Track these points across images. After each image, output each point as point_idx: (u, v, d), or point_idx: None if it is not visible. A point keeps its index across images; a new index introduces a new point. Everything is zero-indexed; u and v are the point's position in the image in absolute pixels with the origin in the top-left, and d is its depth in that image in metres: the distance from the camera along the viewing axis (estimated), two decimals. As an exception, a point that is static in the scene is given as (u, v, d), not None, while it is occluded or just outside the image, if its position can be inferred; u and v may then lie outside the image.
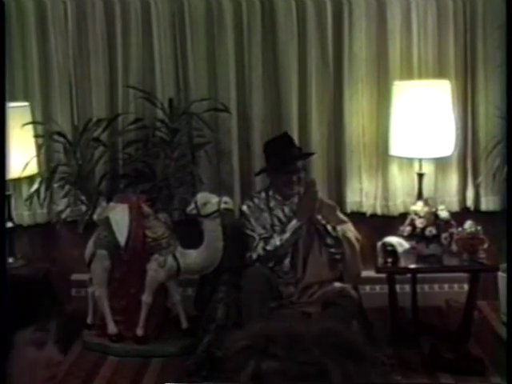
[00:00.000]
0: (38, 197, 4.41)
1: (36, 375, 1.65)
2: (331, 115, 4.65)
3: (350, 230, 4.10)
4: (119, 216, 4.15)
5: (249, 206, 4.09)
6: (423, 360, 3.99)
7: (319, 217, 4.02)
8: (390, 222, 4.54)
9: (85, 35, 4.60)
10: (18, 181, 4.56)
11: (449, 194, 4.68)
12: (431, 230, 4.06)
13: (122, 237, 4.12)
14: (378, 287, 4.62)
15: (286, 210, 4.08)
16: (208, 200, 4.04)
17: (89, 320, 4.39)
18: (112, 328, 4.24)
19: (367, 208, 4.71)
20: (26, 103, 4.49)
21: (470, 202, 4.68)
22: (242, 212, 4.09)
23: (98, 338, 4.31)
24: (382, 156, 4.63)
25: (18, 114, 4.36)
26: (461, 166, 4.67)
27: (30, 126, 4.43)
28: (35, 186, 4.45)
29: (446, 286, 4.76)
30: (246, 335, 1.20)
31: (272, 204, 4.09)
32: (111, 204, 4.27)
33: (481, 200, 4.67)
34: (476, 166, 4.66)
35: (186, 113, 4.49)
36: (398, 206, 4.68)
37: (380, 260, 4.05)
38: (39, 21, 4.58)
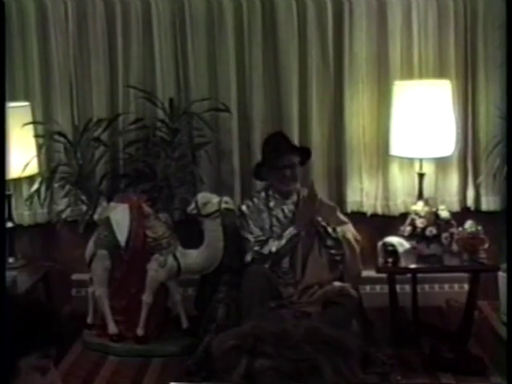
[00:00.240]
0: (39, 197, 4.41)
1: None
2: (332, 115, 4.65)
3: (349, 231, 4.11)
4: (120, 216, 4.15)
5: (248, 206, 4.09)
6: (423, 360, 3.99)
7: (319, 218, 4.02)
8: (390, 222, 4.54)
9: (85, 35, 4.60)
10: (18, 181, 4.55)
11: (449, 194, 4.68)
12: (432, 230, 4.06)
13: (122, 237, 4.12)
14: (378, 287, 4.62)
15: (286, 210, 4.08)
16: (208, 200, 4.04)
17: (89, 320, 4.39)
18: (112, 328, 4.24)
19: (368, 208, 4.71)
20: (26, 103, 4.49)
21: (470, 202, 4.68)
22: (241, 212, 4.09)
23: (98, 337, 4.30)
24: (382, 156, 4.63)
25: (19, 113, 4.36)
26: (461, 165, 4.67)
27: (31, 126, 4.43)
28: (35, 186, 4.45)
29: (446, 286, 4.76)
30: (233, 335, 1.21)
31: (272, 204, 4.09)
32: (112, 204, 4.27)
33: (481, 200, 4.67)
34: (476, 165, 4.66)
35: (186, 113, 4.49)
36: (398, 205, 4.68)
37: (380, 260, 4.05)
38: (40, 21, 4.58)
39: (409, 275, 4.35)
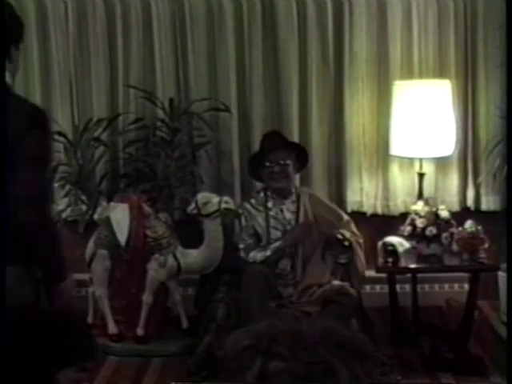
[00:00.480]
0: (39, 196, 4.40)
1: None
2: (332, 115, 4.65)
3: (353, 234, 4.10)
4: (120, 216, 4.15)
5: (245, 209, 4.10)
6: (423, 360, 3.99)
7: (339, 235, 4.01)
8: (390, 222, 4.54)
9: (85, 35, 4.59)
10: (18, 180, 4.55)
11: (449, 194, 4.68)
12: (432, 230, 4.07)
13: (122, 236, 4.12)
14: (378, 287, 4.62)
15: (285, 210, 4.08)
16: (208, 200, 4.04)
17: (89, 320, 4.38)
18: (112, 328, 4.24)
19: (368, 208, 4.71)
20: (26, 103, 4.49)
21: (470, 202, 4.68)
22: (237, 215, 4.10)
23: (98, 337, 4.30)
24: (382, 155, 4.63)
25: (19, 113, 4.35)
26: (461, 165, 4.66)
27: (31, 126, 4.42)
28: (36, 186, 4.44)
29: (446, 286, 4.76)
30: (248, 335, 1.19)
31: (270, 204, 4.10)
32: (112, 204, 4.27)
33: (481, 200, 4.67)
34: (476, 165, 4.66)
35: (186, 112, 4.49)
36: (398, 205, 4.68)
37: (380, 260, 4.05)
38: (40, 21, 4.58)
39: (409, 275, 4.35)
